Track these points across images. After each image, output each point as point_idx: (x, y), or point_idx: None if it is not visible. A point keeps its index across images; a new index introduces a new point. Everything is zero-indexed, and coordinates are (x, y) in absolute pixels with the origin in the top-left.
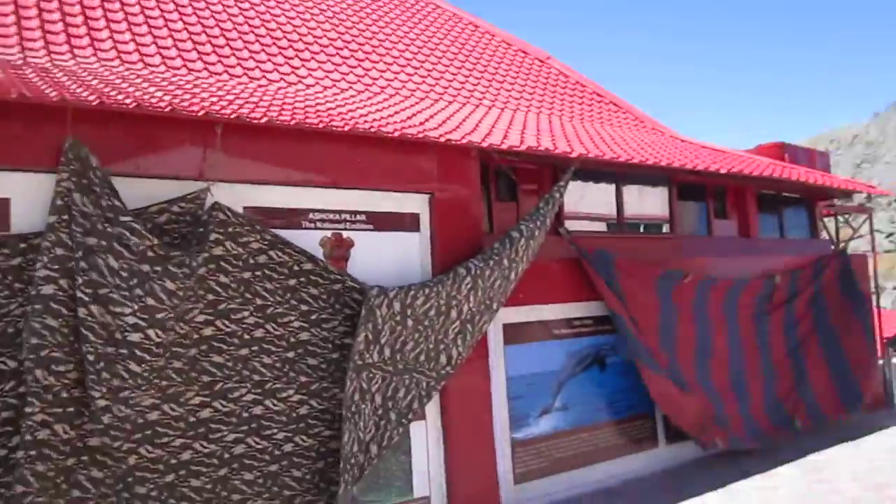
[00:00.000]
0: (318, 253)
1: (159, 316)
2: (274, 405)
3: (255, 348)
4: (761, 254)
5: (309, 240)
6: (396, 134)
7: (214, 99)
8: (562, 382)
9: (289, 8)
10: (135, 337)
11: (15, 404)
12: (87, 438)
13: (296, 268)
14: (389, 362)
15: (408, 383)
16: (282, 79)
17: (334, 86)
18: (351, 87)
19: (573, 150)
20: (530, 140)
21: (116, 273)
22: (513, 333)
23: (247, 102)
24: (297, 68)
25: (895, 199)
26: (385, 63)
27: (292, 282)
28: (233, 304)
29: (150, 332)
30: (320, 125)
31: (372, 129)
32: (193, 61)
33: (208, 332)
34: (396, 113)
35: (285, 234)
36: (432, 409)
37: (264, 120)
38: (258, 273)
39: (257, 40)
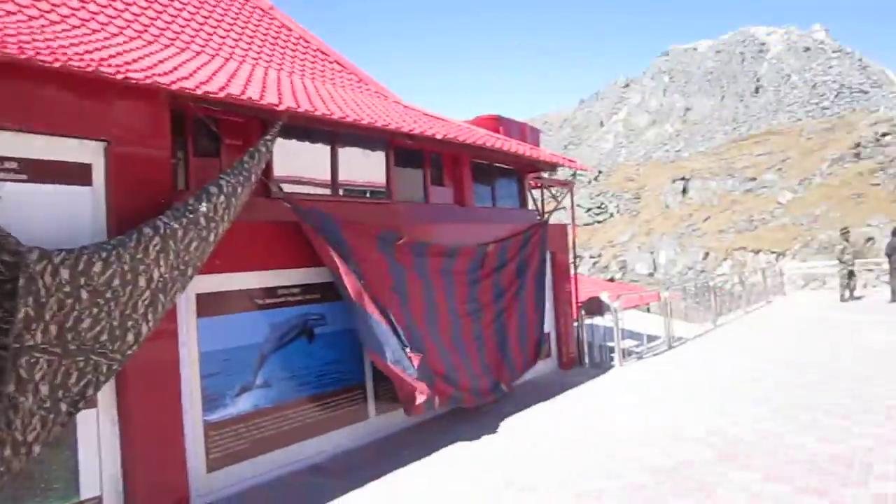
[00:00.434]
0: None
1: None
2: None
3: None
4: (476, 222)
5: None
6: (57, 65)
7: None
8: (265, 356)
9: None
10: None
11: None
12: None
13: None
14: (57, 343)
15: (82, 366)
16: None
17: None
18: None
19: (281, 103)
20: (234, 88)
21: None
22: (208, 304)
23: None
24: None
25: (594, 177)
26: None
27: None
28: None
29: None
30: None
31: (23, 56)
32: None
33: None
34: (72, 45)
35: None
36: (106, 393)
37: None
38: None
39: None
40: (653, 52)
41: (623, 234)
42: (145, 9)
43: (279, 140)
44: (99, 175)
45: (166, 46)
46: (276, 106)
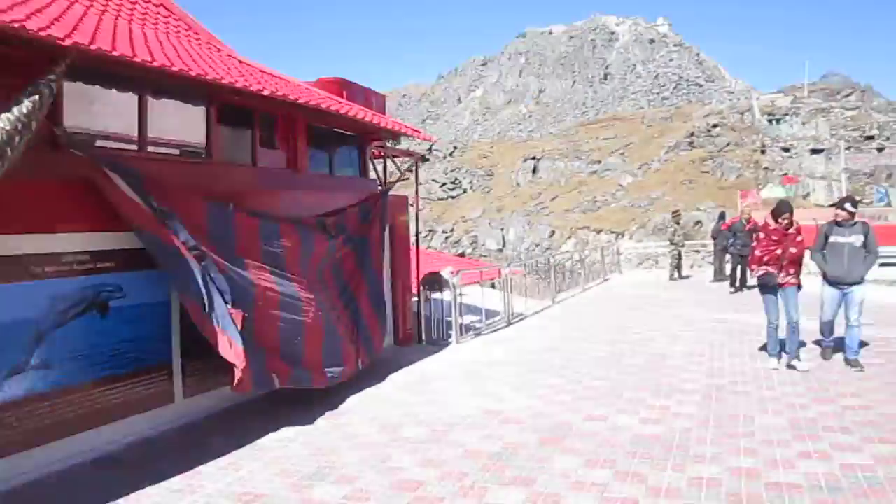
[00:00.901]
0: None
1: None
2: None
3: None
4: (311, 189)
5: None
6: None
7: None
8: (43, 333)
9: None
10: None
11: None
12: None
13: None
14: None
15: None
16: None
17: None
18: None
19: (70, 38)
20: (11, 16)
21: None
22: None
23: None
24: None
25: (450, 153)
26: None
27: None
28: None
29: None
30: None
31: None
32: None
33: None
34: None
35: None
36: None
37: None
38: None
39: None
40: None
41: (475, 210)
42: None
43: (76, 85)
44: None
45: None
46: (61, 41)
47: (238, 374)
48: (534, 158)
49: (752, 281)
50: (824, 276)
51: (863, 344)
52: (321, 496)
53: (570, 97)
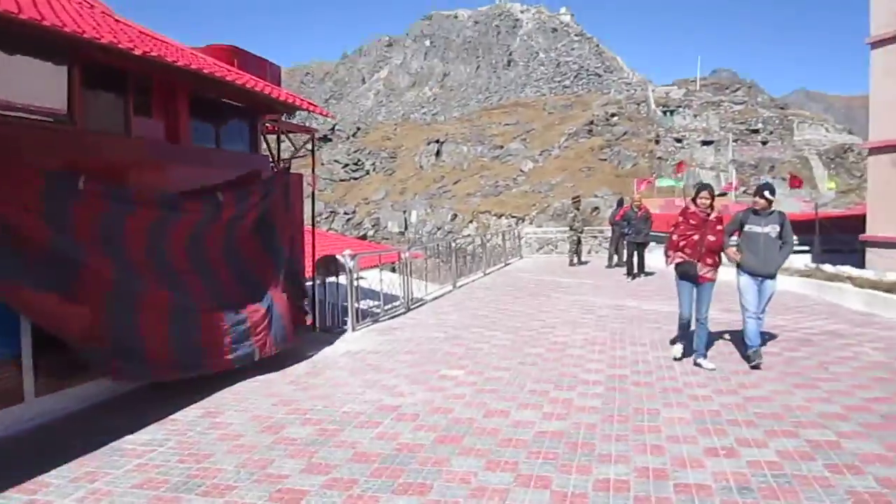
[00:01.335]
0: None
1: None
2: None
3: None
4: (193, 164)
5: None
6: None
7: None
8: None
9: None
10: None
11: None
12: None
13: None
14: None
15: None
16: None
17: None
18: None
19: None
20: None
21: None
22: None
23: None
24: None
25: (353, 133)
26: None
27: None
28: None
29: None
30: None
31: None
32: None
33: None
34: None
35: None
36: None
37: None
38: None
39: None
40: (416, 14)
41: (378, 192)
42: None
43: None
44: None
45: None
46: None
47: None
48: (437, 142)
49: (648, 268)
50: (739, 266)
51: (764, 337)
52: None
53: (474, 82)
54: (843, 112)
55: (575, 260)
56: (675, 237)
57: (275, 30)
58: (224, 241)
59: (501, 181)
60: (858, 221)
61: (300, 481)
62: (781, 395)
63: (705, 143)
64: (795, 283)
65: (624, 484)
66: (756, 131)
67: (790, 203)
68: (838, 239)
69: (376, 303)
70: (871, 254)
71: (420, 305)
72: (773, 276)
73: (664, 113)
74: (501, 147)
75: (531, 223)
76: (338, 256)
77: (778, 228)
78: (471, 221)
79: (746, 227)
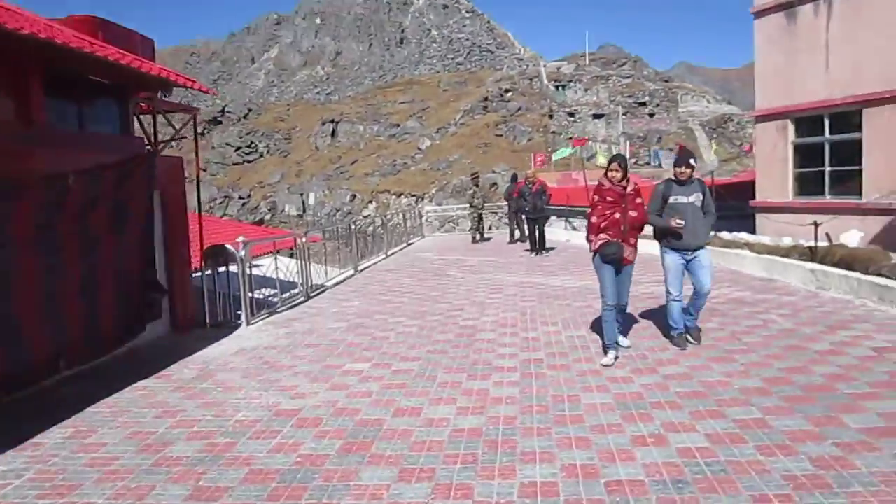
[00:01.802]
0: None
1: None
2: None
3: None
4: (51, 147)
5: None
6: None
7: None
8: None
9: None
10: None
11: None
12: None
13: None
14: None
15: None
16: None
17: None
18: None
19: None
20: None
21: None
22: None
23: None
24: None
25: (245, 115)
26: None
27: None
28: None
29: None
30: None
31: None
32: None
33: None
34: None
35: None
36: None
37: None
38: None
39: None
40: None
41: (273, 174)
42: None
43: None
44: None
45: None
46: None
47: None
48: (332, 122)
49: (549, 243)
50: (661, 241)
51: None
52: None
53: (367, 60)
54: (720, 84)
55: (477, 237)
56: (594, 219)
57: (155, 7)
58: (77, 235)
59: (399, 160)
60: (748, 187)
61: None
62: (699, 370)
63: (596, 116)
64: None
65: (552, 487)
66: (643, 104)
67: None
68: (730, 205)
69: (274, 291)
70: (760, 218)
71: (321, 292)
72: (703, 247)
73: (556, 88)
74: (398, 125)
75: (431, 201)
76: (227, 245)
77: (701, 197)
78: (370, 201)
79: (672, 199)
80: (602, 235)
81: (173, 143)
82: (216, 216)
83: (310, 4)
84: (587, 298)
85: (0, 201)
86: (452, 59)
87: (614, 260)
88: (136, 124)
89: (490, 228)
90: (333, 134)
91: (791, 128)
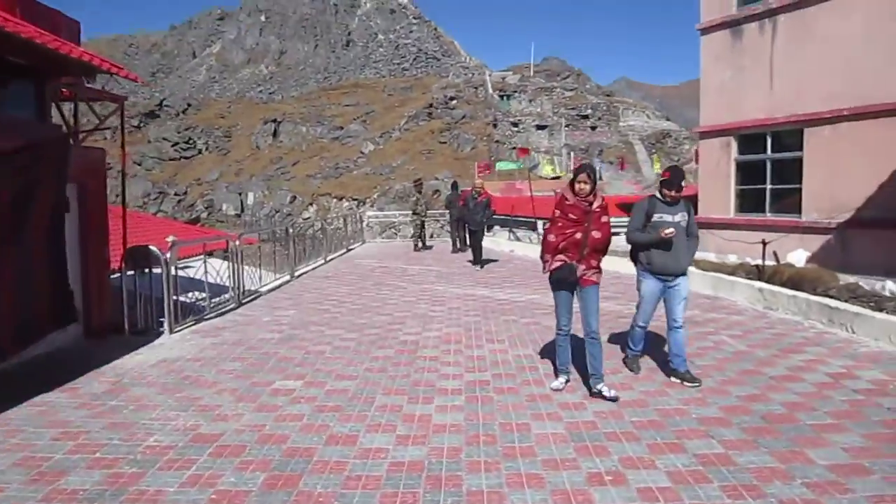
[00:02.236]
0: None
1: None
2: None
3: None
4: None
5: None
6: None
7: None
8: None
9: None
10: None
11: None
12: None
13: None
14: None
15: None
16: None
17: None
18: None
19: None
20: None
21: None
22: None
23: None
24: None
25: (184, 110)
26: None
27: None
28: None
29: None
30: None
31: None
32: None
33: None
34: None
35: None
36: None
37: None
38: None
39: None
40: None
41: (212, 172)
42: None
43: None
44: None
45: None
46: None
47: None
48: (275, 121)
49: (491, 255)
50: (640, 264)
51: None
52: None
53: (312, 61)
54: (659, 100)
55: (419, 244)
56: (551, 237)
57: None
58: None
59: (342, 163)
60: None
61: None
62: (654, 397)
63: (540, 127)
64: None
65: None
66: (586, 117)
67: (620, 185)
68: None
69: (203, 295)
70: (703, 234)
71: (254, 298)
72: (685, 273)
73: (501, 97)
74: (341, 128)
75: (373, 206)
76: (151, 246)
77: (687, 217)
78: (311, 204)
79: (656, 217)
80: (560, 257)
81: (107, 135)
82: (148, 213)
83: (255, 2)
84: (534, 314)
85: None
86: (398, 64)
87: (566, 284)
88: (57, 112)
89: (431, 236)
90: (275, 134)
91: (734, 145)
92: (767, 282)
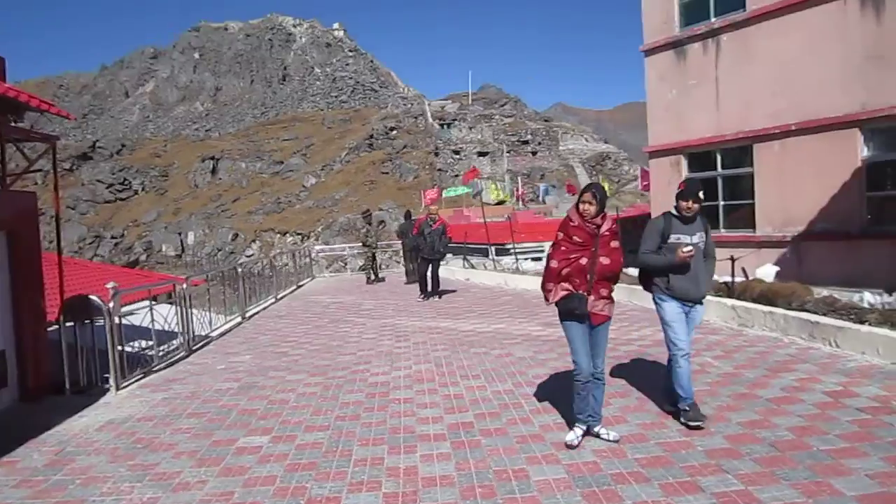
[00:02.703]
0: None
1: None
2: None
3: None
4: None
5: None
6: None
7: None
8: None
9: None
10: None
11: None
12: None
13: None
14: None
15: None
16: None
17: None
18: None
19: None
20: None
21: None
22: None
23: None
24: None
25: (118, 150)
26: None
27: None
28: None
29: None
30: None
31: None
32: None
33: None
34: None
35: None
36: None
37: None
38: None
39: None
40: (182, 26)
41: (149, 213)
42: None
43: None
44: None
45: None
46: None
47: None
48: (213, 158)
49: (448, 285)
50: (654, 287)
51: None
52: None
53: (248, 96)
54: (594, 124)
55: (372, 277)
56: (554, 262)
57: (21, 37)
58: None
59: (283, 197)
60: (639, 222)
61: None
62: (653, 430)
63: (481, 153)
64: None
65: None
66: (526, 142)
67: (568, 209)
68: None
69: (150, 343)
70: None
71: (205, 344)
72: (703, 300)
73: (441, 126)
74: (281, 162)
75: (317, 239)
76: (92, 296)
77: (704, 237)
78: (253, 240)
79: (673, 238)
80: (564, 285)
81: (38, 180)
82: (84, 259)
83: (188, 39)
84: (504, 345)
85: None
86: (336, 96)
87: (577, 315)
88: None
89: (380, 267)
90: (214, 171)
91: (684, 163)
92: (738, 298)
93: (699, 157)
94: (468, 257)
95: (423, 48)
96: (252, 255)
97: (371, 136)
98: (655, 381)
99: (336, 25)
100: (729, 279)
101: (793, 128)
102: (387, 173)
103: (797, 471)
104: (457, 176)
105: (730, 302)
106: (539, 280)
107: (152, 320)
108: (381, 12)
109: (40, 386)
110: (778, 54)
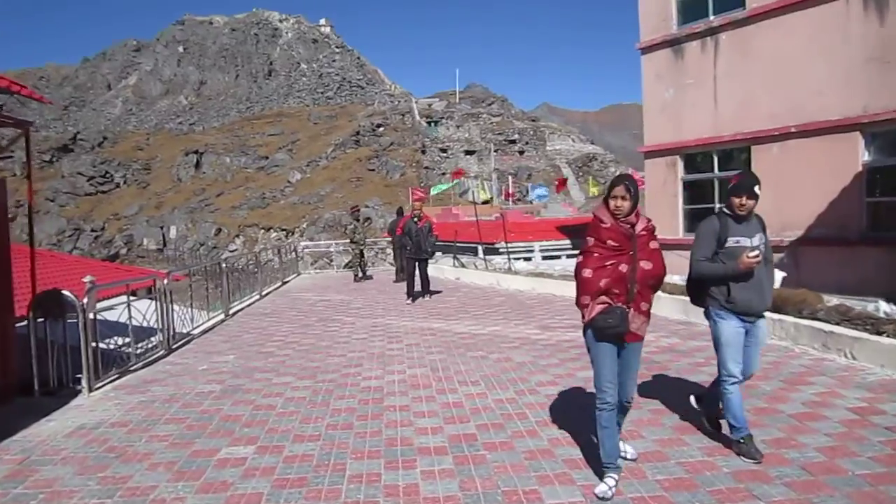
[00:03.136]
0: None
1: None
2: None
3: None
4: None
5: None
6: None
7: None
8: None
9: None
10: None
11: None
12: None
13: None
14: None
15: None
16: None
17: None
18: None
19: None
20: None
21: None
22: None
23: None
24: None
25: (99, 143)
26: None
27: None
28: None
29: None
30: None
31: None
32: None
33: None
34: None
35: None
36: None
37: None
38: None
39: None
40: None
41: (130, 206)
42: None
43: None
44: None
45: None
46: None
47: None
48: (196, 152)
49: (437, 286)
50: (715, 301)
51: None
52: None
53: (233, 91)
54: (580, 125)
55: (360, 274)
56: (587, 272)
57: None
58: None
59: (268, 193)
60: None
61: None
62: (671, 447)
63: (468, 152)
64: None
65: None
66: (513, 141)
67: (557, 208)
68: None
69: (127, 340)
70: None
71: (185, 342)
72: (764, 314)
73: (428, 124)
74: (266, 158)
75: (302, 236)
76: (64, 291)
77: (764, 239)
78: (237, 236)
79: (731, 242)
80: (602, 298)
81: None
82: (62, 252)
83: (172, 32)
84: (502, 349)
85: None
86: (322, 92)
87: (613, 335)
88: None
89: (369, 265)
90: (198, 165)
91: (680, 164)
92: None
93: (696, 158)
94: (458, 256)
95: (410, 46)
96: (235, 250)
97: (357, 133)
98: (666, 392)
99: (323, 21)
100: None
101: (792, 130)
102: (373, 170)
103: (835, 499)
104: (444, 174)
105: None
106: (539, 281)
107: (130, 316)
108: (368, 11)
109: (6, 385)
110: (778, 54)
